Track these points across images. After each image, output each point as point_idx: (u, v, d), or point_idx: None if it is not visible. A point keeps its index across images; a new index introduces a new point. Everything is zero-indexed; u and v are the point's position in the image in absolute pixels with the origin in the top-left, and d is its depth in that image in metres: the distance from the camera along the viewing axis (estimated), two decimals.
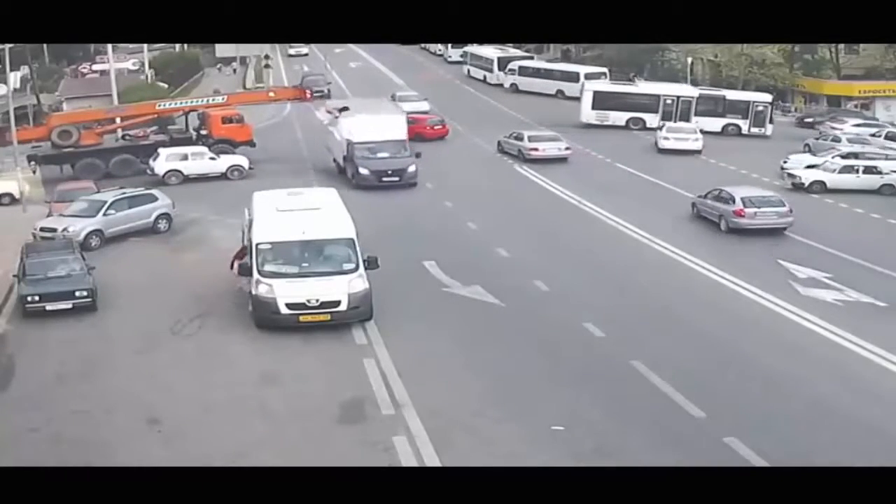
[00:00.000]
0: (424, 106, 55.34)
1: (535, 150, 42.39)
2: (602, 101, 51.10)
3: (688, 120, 49.40)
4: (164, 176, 38.59)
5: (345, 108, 39.71)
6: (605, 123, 49.89)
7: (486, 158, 43.80)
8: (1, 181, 37.57)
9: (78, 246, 25.69)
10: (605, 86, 53.76)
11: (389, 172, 36.12)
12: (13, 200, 35.75)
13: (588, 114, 50.91)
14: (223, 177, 39.12)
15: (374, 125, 37.51)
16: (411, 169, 36.59)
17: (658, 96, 51.02)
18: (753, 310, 22.62)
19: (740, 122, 49.98)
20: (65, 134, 41.34)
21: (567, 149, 43.15)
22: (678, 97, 50.67)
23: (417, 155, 37.00)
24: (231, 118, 43.42)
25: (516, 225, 31.11)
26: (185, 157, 39.46)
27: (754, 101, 50.62)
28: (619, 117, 50.24)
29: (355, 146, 36.32)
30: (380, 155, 36.60)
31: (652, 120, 50.05)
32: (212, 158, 39.70)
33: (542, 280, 24.36)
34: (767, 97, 51.37)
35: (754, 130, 49.26)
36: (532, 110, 55.78)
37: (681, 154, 44.65)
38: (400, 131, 37.97)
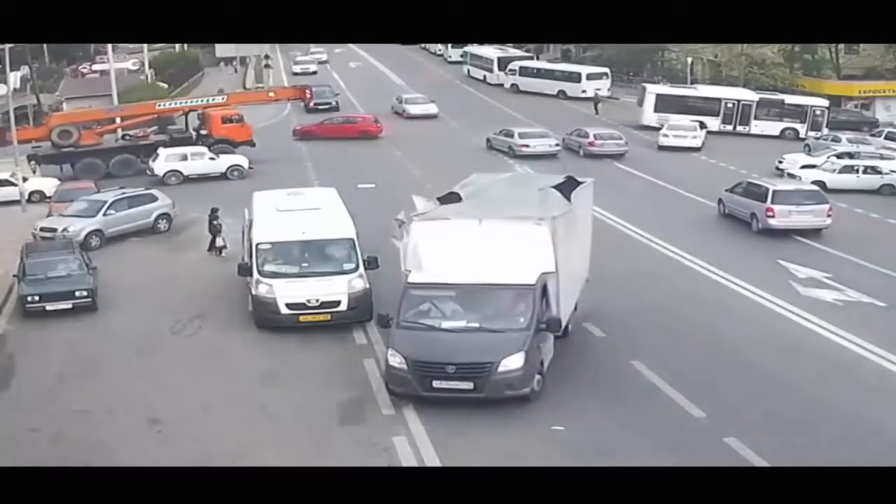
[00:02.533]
0: (433, 109, 55.36)
1: (526, 146, 43.21)
2: (664, 103, 51.36)
3: (748, 124, 50.11)
4: (163, 176, 38.61)
5: (452, 196, 20.26)
6: None
7: (485, 158, 43.79)
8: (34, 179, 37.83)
9: (78, 246, 25.70)
10: (666, 89, 54.15)
11: (452, 370, 16.26)
12: (43, 198, 35.81)
13: (650, 116, 51.10)
14: (223, 177, 39.13)
15: (462, 241, 17.90)
16: (513, 364, 16.29)
17: (719, 100, 51.61)
18: (753, 310, 22.62)
19: (798, 126, 50.14)
20: (65, 134, 41.37)
21: (557, 145, 44.00)
22: (738, 101, 51.40)
23: (549, 326, 17.24)
24: (231, 118, 43.47)
25: None
26: (184, 158, 39.48)
27: (812, 106, 50.74)
28: (680, 120, 50.46)
29: (409, 292, 17.65)
30: (455, 322, 17.15)
31: (712, 123, 50.58)
32: (211, 158, 39.73)
33: None
34: (825, 102, 51.46)
35: (811, 134, 48.88)
36: (534, 111, 55.75)
37: (680, 151, 44.84)
38: (529, 266, 17.47)
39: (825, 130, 48.98)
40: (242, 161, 40.14)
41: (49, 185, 36.98)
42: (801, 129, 49.86)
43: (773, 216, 29.38)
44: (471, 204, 19.63)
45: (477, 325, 16.97)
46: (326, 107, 57.17)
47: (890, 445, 15.25)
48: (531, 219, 17.93)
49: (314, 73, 75.81)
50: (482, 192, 20.83)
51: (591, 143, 43.70)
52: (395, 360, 16.64)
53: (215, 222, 27.85)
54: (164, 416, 16.78)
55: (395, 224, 18.97)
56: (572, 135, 45.43)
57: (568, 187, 20.51)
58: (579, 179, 21.53)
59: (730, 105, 51.19)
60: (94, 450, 15.33)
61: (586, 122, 50.07)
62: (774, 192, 29.86)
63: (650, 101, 51.79)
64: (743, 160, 42.59)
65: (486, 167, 41.14)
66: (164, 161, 39.26)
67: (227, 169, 39.51)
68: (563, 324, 18.13)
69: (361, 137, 48.18)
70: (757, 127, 50.51)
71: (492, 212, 18.66)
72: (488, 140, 45.67)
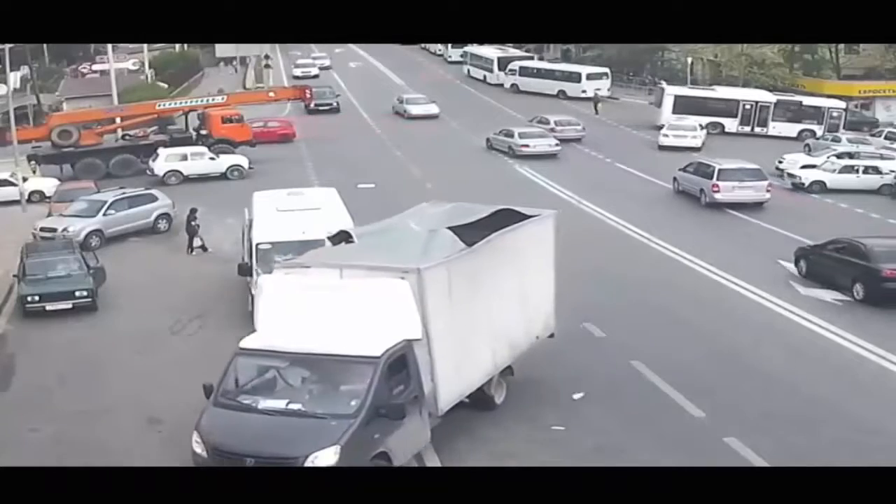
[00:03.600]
0: (434, 109, 55.23)
1: (526, 146, 43.50)
2: (682, 105, 51.40)
3: (765, 125, 50.00)
4: (163, 176, 38.63)
5: (342, 236, 17.10)
6: None
7: (484, 159, 43.88)
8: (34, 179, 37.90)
9: (78, 246, 25.69)
10: (685, 90, 54.09)
11: (251, 463, 12.77)
12: (43, 198, 35.79)
13: (668, 118, 50.99)
14: (223, 177, 39.14)
15: (313, 299, 14.54)
16: (324, 460, 12.77)
17: (737, 101, 51.80)
18: (753, 310, 22.62)
19: (815, 127, 50.03)
20: (65, 134, 41.41)
21: (557, 145, 44.30)
22: (756, 102, 51.57)
23: (389, 413, 13.44)
24: (231, 118, 43.49)
25: None
26: (184, 158, 39.53)
27: (829, 108, 50.71)
28: (699, 121, 50.33)
29: (237, 360, 14.49)
30: (275, 402, 13.87)
31: (731, 124, 50.75)
32: (211, 158, 39.76)
33: None
34: (841, 104, 51.38)
35: (829, 136, 48.65)
36: (534, 111, 55.62)
37: (680, 151, 44.86)
38: (382, 332, 14.01)
39: (842, 132, 48.87)
40: (242, 161, 40.16)
41: (49, 185, 36.98)
42: (819, 130, 49.69)
43: (718, 191, 33.38)
44: (358, 247, 16.34)
45: (299, 406, 13.54)
46: (327, 108, 56.61)
47: (890, 445, 15.25)
48: (394, 271, 14.30)
49: (316, 76, 72.54)
50: (389, 230, 17.04)
51: (552, 129, 46.82)
52: (198, 447, 13.49)
53: (193, 223, 28.20)
54: (164, 416, 16.76)
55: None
56: (533, 121, 48.66)
57: (486, 226, 16.39)
58: (527, 213, 17.69)
59: (747, 106, 51.32)
60: (94, 450, 15.32)
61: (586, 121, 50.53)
62: (720, 170, 33.89)
63: (669, 102, 51.85)
64: (740, 157, 42.55)
65: (486, 167, 41.35)
66: (164, 161, 39.28)
67: (227, 169, 39.53)
68: (451, 402, 14.77)
69: (282, 141, 46.87)
70: (774, 128, 50.52)
71: (364, 258, 15.15)
72: (488, 140, 45.81)
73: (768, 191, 33.58)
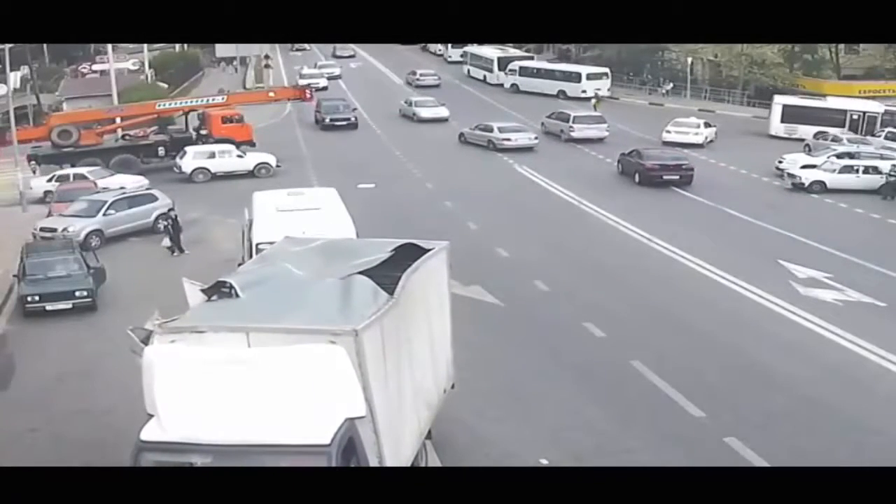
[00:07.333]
0: (444, 112, 54.54)
1: (508, 140, 44.95)
2: (791, 114, 51.03)
3: (873, 134, 49.42)
4: (191, 174, 38.76)
5: (221, 287, 13.00)
6: (793, 137, 49.53)
7: (483, 158, 43.89)
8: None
9: (78, 246, 25.69)
10: (793, 100, 53.42)
11: None
12: None
13: (777, 126, 50.77)
14: (251, 174, 39.05)
15: (220, 371, 11.16)
16: None
17: (845, 111, 51.16)
18: (753, 310, 22.62)
19: None
20: (65, 134, 41.45)
21: (535, 139, 45.84)
22: (864, 112, 50.88)
23: None
24: (231, 118, 43.51)
25: (516, 225, 31.14)
26: (212, 155, 39.75)
27: None
28: (807, 131, 49.79)
29: (142, 456, 10.93)
30: None
31: (839, 134, 50.15)
32: (239, 156, 39.89)
33: (542, 280, 24.39)
34: None
35: None
36: (534, 111, 55.69)
37: (681, 148, 44.87)
38: (321, 413, 11.05)
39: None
40: (270, 159, 40.27)
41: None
42: None
43: (573, 131, 47.03)
44: (247, 301, 12.64)
45: None
46: (344, 123, 51.03)
47: (890, 445, 15.26)
48: (321, 334, 11.29)
49: (324, 88, 64.41)
50: (271, 278, 13.33)
51: (417, 78, 67.10)
52: None
53: (165, 223, 28.65)
54: None
55: (131, 337, 11.98)
56: (409, 74, 68.39)
57: (396, 264, 13.85)
58: (423, 246, 14.83)
59: (855, 116, 50.62)
60: (94, 450, 15.32)
61: None
62: (574, 116, 48.24)
63: (777, 112, 51.52)
64: (741, 157, 42.64)
65: (486, 167, 41.37)
66: (192, 159, 39.45)
67: (255, 167, 39.62)
68: None
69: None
70: (881, 137, 49.85)
71: (272, 317, 11.81)
72: (462, 135, 46.74)
73: (607, 131, 47.14)
